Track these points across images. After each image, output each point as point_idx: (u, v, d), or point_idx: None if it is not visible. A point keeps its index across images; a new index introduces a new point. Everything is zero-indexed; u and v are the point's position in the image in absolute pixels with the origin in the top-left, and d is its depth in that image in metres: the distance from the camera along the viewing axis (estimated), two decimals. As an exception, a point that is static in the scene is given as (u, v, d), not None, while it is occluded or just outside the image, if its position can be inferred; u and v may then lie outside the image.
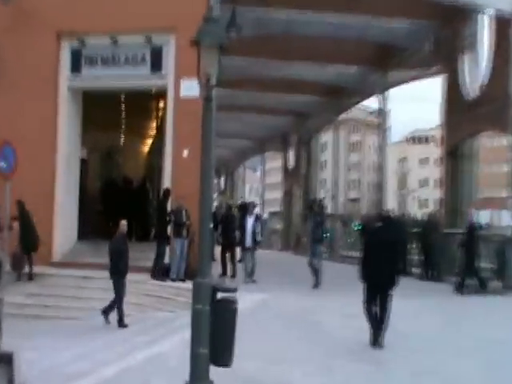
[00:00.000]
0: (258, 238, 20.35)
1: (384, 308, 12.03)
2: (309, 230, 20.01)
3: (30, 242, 19.01)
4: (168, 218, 18.68)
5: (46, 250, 19.90)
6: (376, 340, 11.93)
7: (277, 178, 57.39)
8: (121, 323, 15.12)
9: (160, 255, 18.58)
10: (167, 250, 18.77)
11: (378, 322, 12.02)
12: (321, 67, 28.19)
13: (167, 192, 19.19)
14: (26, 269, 19.08)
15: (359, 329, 13.27)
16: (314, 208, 21.20)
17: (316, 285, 18.83)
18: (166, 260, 18.80)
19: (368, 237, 13.19)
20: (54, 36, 20.59)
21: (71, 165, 21.55)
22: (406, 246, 12.43)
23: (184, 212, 18.15)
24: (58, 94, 20.94)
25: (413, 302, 16.28)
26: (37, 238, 19.16)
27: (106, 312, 15.46)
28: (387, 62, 26.76)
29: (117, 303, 15.24)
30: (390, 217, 16.61)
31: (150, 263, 18.71)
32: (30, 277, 19.11)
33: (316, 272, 18.95)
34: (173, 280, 17.98)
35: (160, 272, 18.38)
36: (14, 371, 11.79)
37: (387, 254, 11.98)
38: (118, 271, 15.52)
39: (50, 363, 11.85)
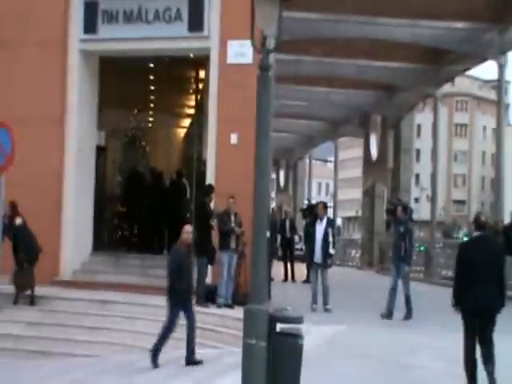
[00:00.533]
0: (331, 250, 19.54)
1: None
2: (391, 242, 19.79)
3: (28, 251, 18.95)
4: (211, 224, 18.61)
5: (52, 266, 20.18)
6: None
7: (355, 171, 57.40)
8: (189, 359, 14.65)
9: (201, 273, 18.53)
10: (209, 266, 18.80)
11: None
12: (417, 23, 27.98)
13: (209, 190, 19.13)
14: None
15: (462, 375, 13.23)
16: (396, 214, 20.89)
17: (408, 316, 18.67)
18: (209, 280, 18.87)
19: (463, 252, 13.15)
20: (61, -16, 20.92)
21: (84, 154, 21.76)
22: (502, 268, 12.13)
23: (233, 216, 18.12)
24: (67, 62, 21.16)
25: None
26: (36, 246, 19.13)
27: (155, 351, 14.72)
28: (508, 15, 26.45)
29: (165, 334, 14.89)
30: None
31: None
32: (32, 300, 19.18)
33: (407, 299, 18.84)
34: (218, 306, 17.95)
35: (201, 295, 18.44)
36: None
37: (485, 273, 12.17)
38: (176, 293, 14.73)
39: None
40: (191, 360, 14.30)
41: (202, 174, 20.99)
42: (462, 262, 12.59)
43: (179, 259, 14.69)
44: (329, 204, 26.04)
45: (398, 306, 18.75)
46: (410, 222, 19.83)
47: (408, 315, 18.57)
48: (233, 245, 18.16)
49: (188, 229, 14.83)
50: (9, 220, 18.26)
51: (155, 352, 14.51)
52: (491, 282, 12.10)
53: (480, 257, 12.38)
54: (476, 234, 12.94)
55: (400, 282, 18.81)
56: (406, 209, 20.52)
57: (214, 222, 18.46)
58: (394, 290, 18.74)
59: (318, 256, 19.53)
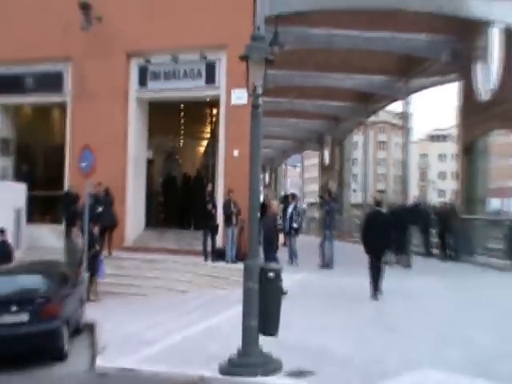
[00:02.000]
0: (294, 224, 19.68)
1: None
2: (320, 217, 19.91)
3: (112, 219, 19.30)
4: (210, 207, 18.52)
5: (119, 237, 20.15)
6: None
7: (314, 173, 57.21)
8: None
9: (212, 241, 18.53)
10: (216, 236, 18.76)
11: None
12: (352, 76, 28.07)
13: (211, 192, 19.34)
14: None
15: (387, 303, 13.20)
16: (324, 198, 21.29)
17: (323, 265, 18.49)
18: (219, 244, 18.85)
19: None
20: (124, 56, 20.80)
21: (139, 164, 21.77)
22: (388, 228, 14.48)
23: (233, 204, 18.12)
24: (128, 105, 21.15)
25: (440, 282, 16.18)
26: (116, 218, 19.50)
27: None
28: (409, 71, 26.63)
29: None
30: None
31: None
32: (109, 252, 19.30)
33: (323, 254, 18.67)
34: (227, 262, 17.97)
35: (215, 255, 18.44)
36: (95, 338, 12.03)
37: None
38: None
39: (126, 331, 12.01)
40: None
41: (215, 177, 20.99)
42: (366, 224, 14.85)
43: (270, 222, 15.63)
44: (298, 194, 25.97)
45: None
46: (333, 204, 20.05)
47: (323, 265, 18.48)
48: (233, 221, 18.16)
49: (274, 203, 16.46)
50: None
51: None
52: (381, 235, 13.99)
53: (375, 221, 14.50)
54: (374, 208, 15.47)
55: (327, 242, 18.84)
56: (331, 195, 21.05)
57: (210, 207, 18.44)
58: (321, 246, 18.71)
59: (287, 227, 19.68)
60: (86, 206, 16.56)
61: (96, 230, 17.02)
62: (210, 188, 19.57)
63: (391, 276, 15.15)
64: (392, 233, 14.95)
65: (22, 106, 24.19)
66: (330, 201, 20.14)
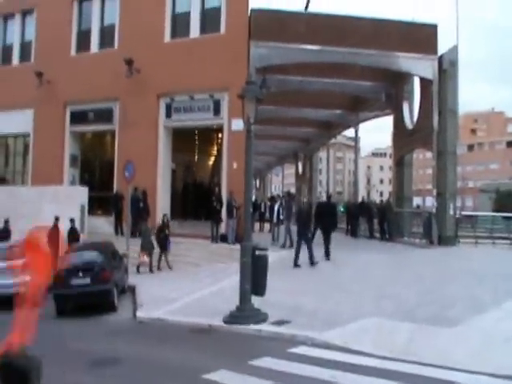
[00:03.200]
0: (280, 216, 19.52)
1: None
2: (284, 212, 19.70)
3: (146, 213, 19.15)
4: (215, 204, 18.45)
5: (152, 225, 20.06)
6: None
7: (291, 179, 57.15)
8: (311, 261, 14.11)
9: (217, 228, 18.47)
10: (222, 225, 18.73)
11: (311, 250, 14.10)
12: (318, 110, 28.09)
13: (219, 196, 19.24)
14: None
15: (342, 271, 13.23)
16: (277, 199, 21.86)
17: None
18: (223, 231, 18.85)
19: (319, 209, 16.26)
20: (155, 95, 20.72)
21: (166, 173, 21.60)
22: (336, 214, 16.15)
23: (234, 201, 18.12)
24: (158, 131, 21.04)
25: (379, 256, 16.23)
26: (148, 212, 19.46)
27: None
28: (358, 107, 26.65)
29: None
30: (330, 199, 18.20)
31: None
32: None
33: (286, 237, 17.80)
34: (228, 244, 17.88)
35: (219, 238, 18.43)
36: (135, 296, 12.03)
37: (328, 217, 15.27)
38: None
39: (156, 293, 12.02)
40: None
41: (220, 182, 20.96)
42: (317, 210, 16.05)
43: (305, 210, 15.53)
44: (281, 195, 25.89)
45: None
46: (291, 202, 20.07)
47: (284, 245, 17.66)
48: (234, 215, 18.14)
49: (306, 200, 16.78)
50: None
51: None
52: (328, 219, 15.14)
53: (325, 208, 15.75)
54: (324, 200, 17.39)
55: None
56: (290, 195, 21.32)
57: (215, 204, 18.41)
58: (287, 232, 18.00)
59: (274, 219, 19.61)
60: (129, 204, 16.55)
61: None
62: (216, 191, 19.60)
63: (344, 251, 15.23)
64: (335, 216, 16.11)
65: (85, 133, 24.12)
66: (289, 200, 20.26)
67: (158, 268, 15.97)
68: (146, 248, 15.77)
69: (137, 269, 15.56)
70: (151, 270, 15.57)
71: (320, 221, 15.53)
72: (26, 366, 1.63)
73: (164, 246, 16.19)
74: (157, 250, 16.20)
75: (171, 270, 15.82)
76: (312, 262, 14.09)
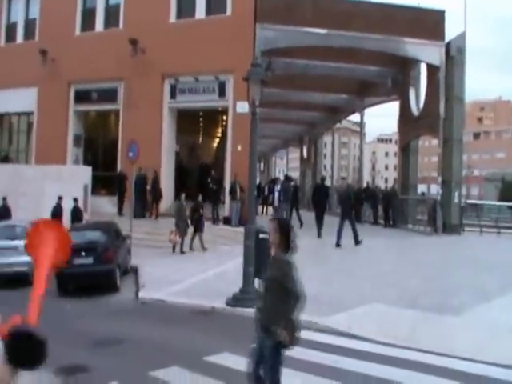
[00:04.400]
0: (281, 198, 19.55)
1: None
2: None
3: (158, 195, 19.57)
4: (211, 185, 18.46)
5: (156, 206, 20.12)
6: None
7: (296, 163, 57.01)
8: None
9: (217, 210, 18.53)
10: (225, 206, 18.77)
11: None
12: (324, 95, 27.85)
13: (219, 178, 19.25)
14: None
15: (346, 256, 13.23)
16: (277, 182, 22.25)
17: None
18: (226, 213, 18.82)
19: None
20: (160, 76, 20.58)
21: (170, 155, 21.58)
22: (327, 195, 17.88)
23: (237, 184, 18.06)
24: (162, 112, 20.94)
25: (383, 242, 16.20)
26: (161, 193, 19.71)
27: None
28: (364, 92, 26.43)
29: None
30: (323, 183, 18.75)
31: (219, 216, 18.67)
32: (156, 217, 19.51)
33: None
34: (232, 226, 17.87)
35: (219, 220, 18.41)
36: (138, 277, 12.04)
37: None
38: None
39: (159, 274, 12.02)
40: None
41: (224, 165, 20.89)
42: (314, 193, 17.50)
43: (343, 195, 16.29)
44: (282, 178, 25.72)
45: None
46: (289, 185, 20.23)
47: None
48: (237, 197, 18.10)
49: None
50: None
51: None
52: (324, 199, 17.09)
53: (320, 191, 17.21)
54: (319, 183, 18.47)
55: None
56: (287, 178, 21.34)
57: (212, 185, 18.55)
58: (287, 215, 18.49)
59: (276, 202, 19.66)
60: (132, 184, 16.49)
61: (200, 198, 16.67)
62: (213, 173, 19.63)
63: (347, 236, 15.24)
64: (327, 198, 17.64)
65: (89, 112, 24.00)
66: (286, 183, 20.25)
67: (191, 248, 15.60)
68: (182, 227, 15.55)
69: (173, 248, 15.31)
70: (182, 251, 15.29)
71: (315, 203, 17.13)
72: (43, 337, 1.51)
73: (198, 227, 15.79)
74: (190, 229, 15.86)
75: (206, 251, 15.42)
76: (357, 241, 14.79)
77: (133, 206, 16.07)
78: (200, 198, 16.79)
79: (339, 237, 14.55)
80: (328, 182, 43.02)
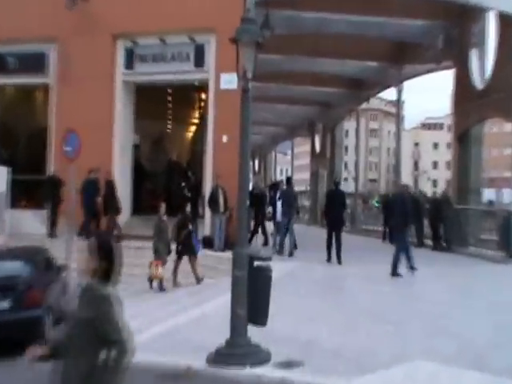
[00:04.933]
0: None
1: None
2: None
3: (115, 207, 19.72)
4: (186, 192, 18.62)
5: (104, 223, 20.06)
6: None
7: (305, 160, 57.20)
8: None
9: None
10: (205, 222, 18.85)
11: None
12: (344, 62, 28.01)
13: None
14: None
15: (378, 292, 13.26)
16: (280, 186, 22.34)
17: (291, 253, 18.72)
18: (207, 232, 18.84)
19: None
20: (110, 37, 20.68)
21: (125, 149, 21.68)
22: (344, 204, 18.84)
23: (220, 190, 18.08)
24: (114, 88, 21.04)
25: (431, 272, 16.25)
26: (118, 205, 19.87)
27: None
28: (403, 57, 26.52)
29: None
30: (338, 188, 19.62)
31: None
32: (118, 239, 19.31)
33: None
34: (215, 250, 17.90)
35: (202, 243, 18.39)
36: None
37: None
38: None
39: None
40: None
41: (203, 163, 20.95)
42: (327, 200, 18.77)
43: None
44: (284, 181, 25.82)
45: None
46: (293, 191, 20.73)
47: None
48: (220, 209, 18.11)
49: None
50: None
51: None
52: (339, 210, 17.95)
53: (334, 198, 18.18)
54: (333, 187, 19.76)
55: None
56: (289, 182, 21.58)
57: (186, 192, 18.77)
58: (290, 233, 19.09)
59: (278, 216, 19.62)
60: (73, 192, 16.43)
61: (188, 208, 16.90)
62: (190, 174, 19.66)
63: (378, 262, 15.27)
64: (344, 208, 18.90)
65: (4, 87, 23.94)
66: (289, 189, 20.47)
67: (175, 283, 15.62)
68: (163, 252, 15.53)
69: (150, 283, 15.36)
70: (162, 288, 15.27)
71: (327, 214, 18.48)
72: None
73: (190, 249, 15.81)
74: (171, 255, 15.86)
75: (200, 282, 15.47)
76: (412, 267, 15.52)
77: (74, 223, 15.96)
78: (188, 208, 16.96)
79: (407, 260, 15.11)
80: (350, 186, 43.23)
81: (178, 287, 15.61)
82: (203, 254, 16.76)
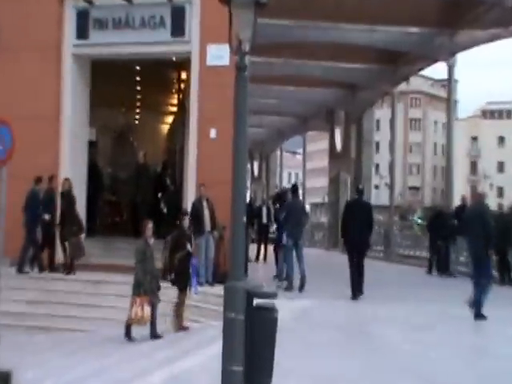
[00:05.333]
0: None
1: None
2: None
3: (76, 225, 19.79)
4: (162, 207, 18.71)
5: (49, 250, 20.10)
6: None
7: (321, 162, 57.44)
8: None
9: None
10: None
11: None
12: (374, 29, 27.99)
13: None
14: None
15: (426, 343, 13.24)
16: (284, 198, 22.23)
17: (301, 288, 18.73)
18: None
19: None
20: (55, -6, 20.78)
21: (77, 148, 21.70)
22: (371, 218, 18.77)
23: (205, 202, 18.05)
24: (61, 65, 21.08)
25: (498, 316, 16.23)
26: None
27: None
28: (456, 21, 26.47)
29: None
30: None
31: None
32: (71, 269, 19.56)
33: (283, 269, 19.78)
34: (200, 284, 17.82)
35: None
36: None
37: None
38: None
39: (55, 383, 11.95)
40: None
41: (183, 165, 21.00)
42: (347, 214, 18.76)
43: None
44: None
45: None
46: (299, 202, 21.16)
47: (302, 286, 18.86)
48: (204, 229, 18.09)
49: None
50: None
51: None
52: (361, 227, 17.81)
53: (355, 211, 18.24)
54: (355, 196, 20.11)
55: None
56: (295, 190, 21.36)
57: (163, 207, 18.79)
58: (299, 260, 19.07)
59: (284, 239, 19.53)
60: (3, 207, 16.47)
61: (186, 222, 16.63)
62: (168, 182, 19.72)
63: (426, 300, 15.10)
64: (370, 226, 18.57)
65: None
66: (294, 199, 20.48)
67: (181, 326, 15.60)
68: (149, 288, 15.46)
69: (126, 331, 15.27)
70: (156, 335, 15.28)
71: (346, 233, 18.83)
72: None
73: (186, 279, 15.77)
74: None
75: (182, 331, 15.52)
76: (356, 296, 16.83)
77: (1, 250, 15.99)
78: (186, 222, 16.73)
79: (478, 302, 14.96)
80: (382, 197, 43.07)
81: (181, 331, 15.57)
82: (196, 292, 16.68)
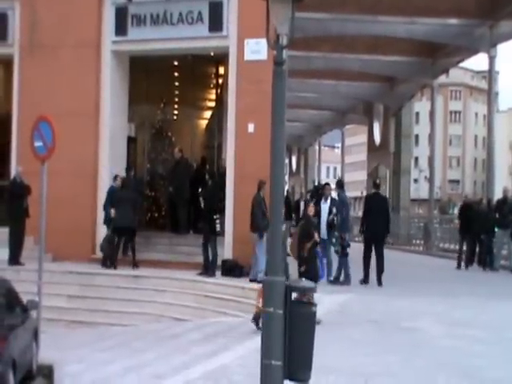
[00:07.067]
0: (335, 221, 19.04)
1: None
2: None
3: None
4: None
5: (88, 245, 20.26)
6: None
7: (360, 156, 57.21)
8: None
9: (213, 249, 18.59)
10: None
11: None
12: (414, 21, 27.83)
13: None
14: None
15: (469, 338, 13.16)
16: (326, 193, 21.41)
17: (344, 281, 19.03)
18: (228, 255, 18.88)
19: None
20: (94, -8, 20.87)
21: (117, 144, 21.75)
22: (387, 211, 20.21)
23: (262, 200, 17.65)
24: (100, 61, 21.18)
25: None
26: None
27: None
28: (497, 11, 26.24)
29: None
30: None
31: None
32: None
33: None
34: (251, 280, 17.48)
35: (221, 269, 18.45)
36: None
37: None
38: None
39: (94, 377, 12.01)
40: None
41: (221, 161, 21.03)
42: (367, 207, 20.10)
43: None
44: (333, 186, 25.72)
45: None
46: (345, 197, 21.50)
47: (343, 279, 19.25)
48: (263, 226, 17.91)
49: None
50: None
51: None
52: (381, 219, 19.10)
53: (375, 205, 19.54)
54: (373, 191, 20.97)
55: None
56: (340, 185, 22.12)
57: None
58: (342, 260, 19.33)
59: (323, 232, 19.26)
60: (43, 202, 16.57)
61: (311, 209, 16.17)
62: (207, 178, 19.67)
63: (465, 294, 14.98)
64: (387, 217, 19.70)
65: None
66: (340, 195, 20.57)
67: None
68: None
69: (255, 321, 14.90)
70: (259, 326, 15.01)
71: (365, 224, 19.82)
72: None
73: (315, 272, 15.20)
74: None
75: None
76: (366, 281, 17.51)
77: (43, 245, 16.04)
78: (311, 210, 16.19)
79: None
80: (422, 191, 42.78)
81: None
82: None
